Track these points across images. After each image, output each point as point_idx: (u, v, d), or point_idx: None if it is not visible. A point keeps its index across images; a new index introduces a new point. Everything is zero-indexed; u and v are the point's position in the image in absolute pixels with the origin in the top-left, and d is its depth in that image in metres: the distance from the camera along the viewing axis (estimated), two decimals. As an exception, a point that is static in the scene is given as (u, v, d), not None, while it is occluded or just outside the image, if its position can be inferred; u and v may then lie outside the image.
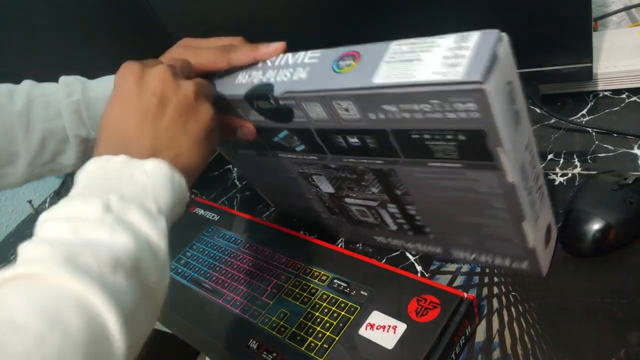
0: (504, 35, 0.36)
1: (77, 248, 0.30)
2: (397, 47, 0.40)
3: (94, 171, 0.38)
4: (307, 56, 0.46)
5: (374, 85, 0.39)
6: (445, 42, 0.37)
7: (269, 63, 0.48)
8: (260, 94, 0.47)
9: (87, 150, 0.59)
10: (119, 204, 0.34)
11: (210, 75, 0.53)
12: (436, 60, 0.37)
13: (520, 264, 0.51)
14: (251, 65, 0.49)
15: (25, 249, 0.31)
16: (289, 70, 0.46)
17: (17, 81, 0.58)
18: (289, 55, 0.48)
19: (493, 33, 0.36)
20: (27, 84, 0.58)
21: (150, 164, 0.38)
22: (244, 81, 0.49)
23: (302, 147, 0.51)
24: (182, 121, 0.42)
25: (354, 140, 0.46)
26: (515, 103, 0.39)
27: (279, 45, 0.48)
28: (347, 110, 0.43)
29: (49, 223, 0.33)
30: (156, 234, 0.35)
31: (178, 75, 0.44)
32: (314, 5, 0.70)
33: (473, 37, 0.36)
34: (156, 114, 0.41)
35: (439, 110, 0.38)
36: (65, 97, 0.55)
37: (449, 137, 0.40)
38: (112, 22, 0.93)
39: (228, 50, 0.50)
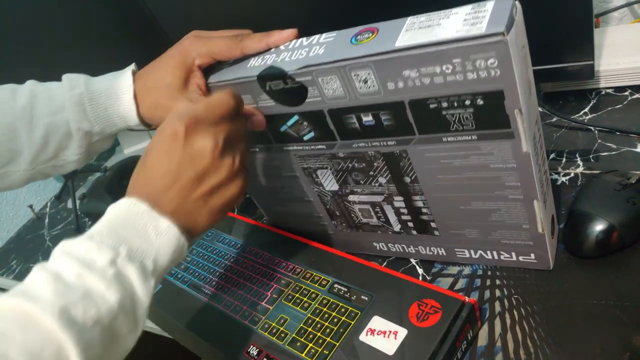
0: (518, 4, 0.38)
1: (74, 298, 0.36)
2: (415, 19, 0.41)
3: (121, 212, 0.41)
4: (323, 37, 0.46)
5: (396, 48, 0.40)
6: (463, 10, 0.39)
7: (282, 47, 0.49)
8: (275, 74, 0.47)
9: (90, 146, 0.58)
10: (124, 261, 0.39)
11: (219, 64, 0.53)
12: (456, 23, 0.38)
13: (527, 257, 0.51)
14: (264, 51, 0.50)
15: (37, 277, 0.37)
16: (305, 49, 0.46)
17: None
18: (303, 39, 0.48)
19: (508, 1, 0.38)
20: (30, 82, 0.57)
21: (164, 225, 0.42)
22: (257, 64, 0.49)
23: (311, 134, 0.51)
24: (210, 196, 0.44)
25: (368, 119, 0.46)
26: (528, 69, 0.40)
27: (292, 31, 0.49)
28: (365, 81, 0.43)
29: (65, 259, 0.38)
30: (143, 292, 0.40)
31: (226, 149, 0.44)
32: (315, 10, 0.69)
33: (489, 3, 0.38)
34: (189, 187, 0.43)
35: (460, 71, 0.39)
36: (68, 90, 0.55)
37: (467, 102, 0.41)
38: (112, 27, 0.93)
39: (241, 39, 0.50)
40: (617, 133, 0.63)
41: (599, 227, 0.49)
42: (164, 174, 0.42)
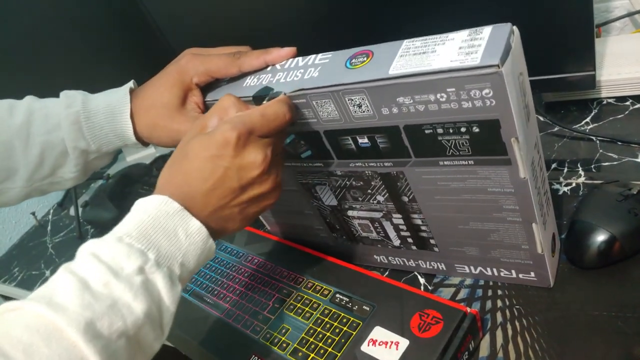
0: (515, 29, 0.37)
1: (100, 310, 0.35)
2: (410, 44, 0.41)
3: (152, 211, 0.40)
4: (318, 58, 0.46)
5: (389, 76, 0.39)
6: (459, 36, 0.39)
7: (278, 67, 0.48)
8: (269, 94, 0.46)
9: (86, 164, 0.58)
10: (152, 268, 0.38)
11: (216, 81, 0.53)
12: (451, 50, 0.38)
13: (527, 275, 0.51)
14: (260, 69, 0.49)
15: (64, 282, 0.36)
16: (300, 70, 0.46)
17: (19, 97, 0.58)
18: (299, 58, 0.48)
19: (505, 26, 0.37)
20: (28, 99, 0.57)
21: (194, 227, 0.41)
22: (252, 83, 0.49)
23: (309, 152, 0.51)
24: (247, 204, 0.44)
25: (363, 140, 0.46)
26: (525, 96, 0.40)
27: (290, 49, 0.49)
28: (359, 106, 0.43)
29: (92, 263, 0.37)
30: (170, 299, 0.39)
31: (272, 162, 0.43)
32: (317, 17, 0.69)
33: (486, 30, 0.38)
34: (230, 195, 0.43)
35: (455, 100, 0.38)
36: (64, 108, 0.55)
37: (462, 129, 0.40)
38: (116, 36, 0.94)
39: (239, 56, 0.50)
40: (619, 143, 0.63)
41: (600, 237, 0.49)
42: (206, 178, 0.42)
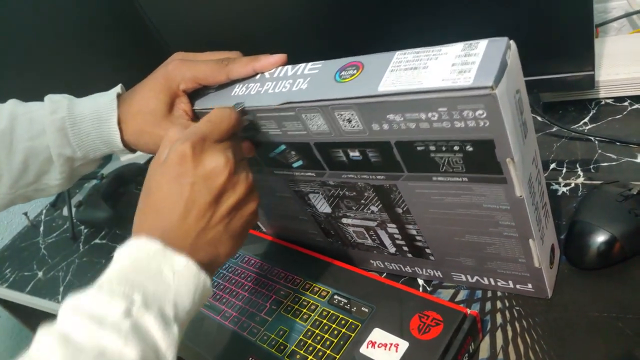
0: (512, 44, 0.36)
1: None
2: (402, 56, 0.39)
3: (131, 255, 0.38)
4: (308, 68, 0.44)
5: (379, 94, 0.38)
6: (453, 50, 0.37)
7: (267, 75, 0.47)
8: (258, 108, 0.45)
9: (72, 171, 0.56)
10: (140, 310, 0.35)
11: (205, 89, 0.52)
12: (444, 67, 0.36)
13: (524, 286, 0.50)
14: (248, 77, 0.48)
15: (44, 342, 0.33)
16: (289, 81, 0.44)
17: (5, 99, 0.56)
18: (289, 67, 0.46)
19: (502, 40, 0.35)
20: (11, 102, 0.55)
21: (180, 264, 0.38)
22: (241, 93, 0.47)
23: (300, 162, 0.50)
24: (230, 218, 0.41)
25: (355, 154, 0.45)
26: (523, 113, 0.38)
27: (280, 56, 0.47)
28: (349, 121, 0.41)
29: (72, 317, 0.34)
30: (166, 344, 0.35)
31: (237, 164, 0.41)
32: (312, 20, 0.69)
33: (481, 45, 0.36)
34: (207, 212, 0.39)
35: (447, 119, 0.37)
36: (49, 113, 0.52)
37: (455, 148, 0.39)
38: (111, 35, 0.93)
39: (227, 63, 0.48)
40: (618, 143, 0.63)
41: (600, 238, 0.49)
42: (175, 203, 0.39)
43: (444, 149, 0.39)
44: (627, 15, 0.78)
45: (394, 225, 0.51)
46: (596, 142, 0.65)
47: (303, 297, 0.56)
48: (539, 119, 0.69)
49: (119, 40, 0.93)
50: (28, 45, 0.88)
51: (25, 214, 1.09)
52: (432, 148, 0.40)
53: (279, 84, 0.45)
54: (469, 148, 0.38)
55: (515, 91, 0.37)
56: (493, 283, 0.52)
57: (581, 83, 0.61)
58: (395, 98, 0.37)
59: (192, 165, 0.39)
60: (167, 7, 0.78)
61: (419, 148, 0.40)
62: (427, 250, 0.52)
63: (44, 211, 1.12)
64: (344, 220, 0.55)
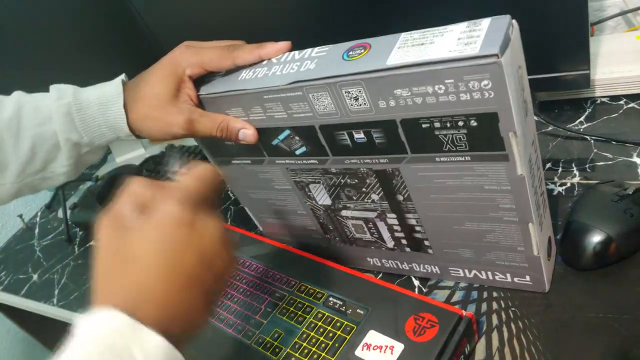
0: (514, 22, 0.37)
1: None
2: (408, 36, 0.40)
3: (95, 332, 0.33)
4: (315, 51, 0.45)
5: (387, 67, 0.39)
6: (457, 28, 0.38)
7: (274, 60, 0.48)
8: (265, 88, 0.46)
9: (79, 157, 0.56)
10: None
11: (210, 76, 0.52)
12: (450, 41, 0.37)
13: (522, 279, 0.50)
14: (255, 63, 0.49)
15: None
16: (296, 63, 0.45)
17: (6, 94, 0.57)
18: (295, 52, 0.47)
19: (504, 18, 0.37)
20: (16, 93, 0.56)
21: (152, 343, 0.32)
22: (248, 77, 0.48)
23: (303, 149, 0.50)
24: (210, 286, 0.37)
25: (359, 136, 0.45)
26: (524, 91, 0.39)
27: (285, 44, 0.48)
28: (356, 99, 0.42)
29: None
30: None
31: (229, 233, 0.39)
32: (311, 17, 0.69)
33: (485, 22, 0.37)
34: (195, 279, 0.36)
35: (453, 92, 0.38)
36: (55, 100, 0.53)
37: (460, 123, 0.40)
38: (104, 34, 0.92)
39: (233, 49, 0.49)
40: (613, 142, 0.63)
41: (596, 238, 0.49)
42: (159, 268, 0.35)
43: (448, 125, 0.40)
44: (623, 13, 0.78)
45: (393, 216, 0.52)
46: (592, 141, 0.65)
47: (298, 299, 0.56)
48: (535, 118, 0.69)
49: (111, 39, 0.93)
50: (21, 45, 0.88)
51: (20, 216, 1.08)
52: (437, 125, 0.41)
53: (286, 66, 0.46)
54: (473, 122, 0.39)
55: (518, 66, 0.38)
56: (491, 277, 0.52)
57: (577, 82, 0.61)
58: (403, 71, 0.38)
59: (187, 231, 0.36)
60: (161, 8, 0.77)
61: (424, 125, 0.41)
62: (426, 243, 0.52)
63: (39, 213, 1.11)
64: (344, 213, 0.55)
